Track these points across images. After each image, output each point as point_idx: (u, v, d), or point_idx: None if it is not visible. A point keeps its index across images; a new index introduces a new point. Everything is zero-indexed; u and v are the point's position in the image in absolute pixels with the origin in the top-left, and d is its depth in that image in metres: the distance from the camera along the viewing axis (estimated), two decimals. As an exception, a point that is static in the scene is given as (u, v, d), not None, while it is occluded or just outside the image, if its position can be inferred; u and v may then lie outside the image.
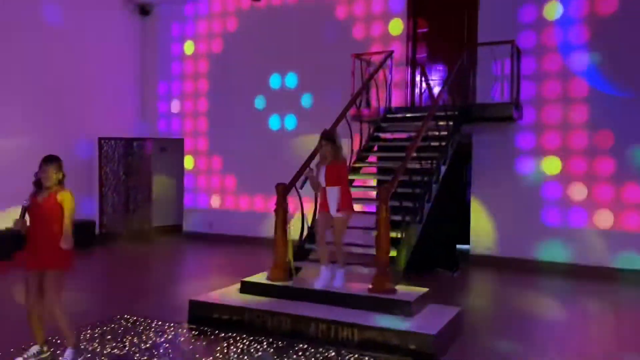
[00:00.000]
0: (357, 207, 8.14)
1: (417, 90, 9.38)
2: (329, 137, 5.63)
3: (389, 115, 8.47)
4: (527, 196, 8.53)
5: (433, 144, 6.92)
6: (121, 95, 11.30)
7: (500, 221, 8.75)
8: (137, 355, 4.57)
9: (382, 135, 8.21)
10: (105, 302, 6.27)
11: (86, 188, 10.41)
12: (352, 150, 7.49)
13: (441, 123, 7.17)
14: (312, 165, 6.00)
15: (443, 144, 7.15)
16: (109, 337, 5.00)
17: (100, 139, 10.62)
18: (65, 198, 4.25)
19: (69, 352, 4.27)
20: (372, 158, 8.06)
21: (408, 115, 8.43)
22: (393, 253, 5.65)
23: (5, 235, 8.10)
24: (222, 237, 10.76)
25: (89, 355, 4.52)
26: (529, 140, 8.56)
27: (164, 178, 11.70)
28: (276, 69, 10.42)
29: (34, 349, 4.34)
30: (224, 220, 10.90)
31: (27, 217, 4.26)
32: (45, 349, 4.38)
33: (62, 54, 9.92)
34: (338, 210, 5.50)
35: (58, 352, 4.45)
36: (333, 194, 5.53)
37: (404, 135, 8.07)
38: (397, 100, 9.11)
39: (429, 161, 6.75)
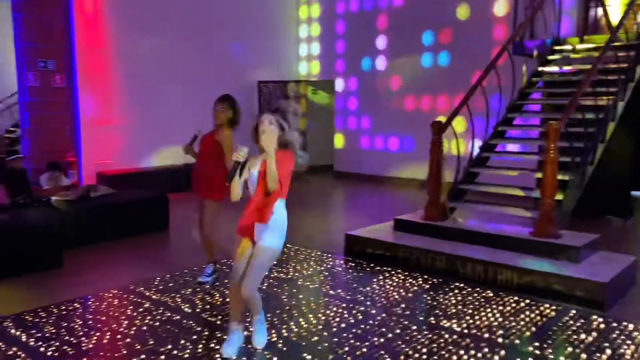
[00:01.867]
0: (515, 147, 7.69)
1: (591, 17, 8.35)
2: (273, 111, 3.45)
3: (556, 47, 7.70)
4: None
5: (610, 77, 6.19)
6: (278, 39, 11.72)
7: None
8: (300, 280, 4.93)
9: (548, 69, 7.52)
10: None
11: (248, 129, 11.14)
12: (513, 87, 7.00)
13: (620, 54, 6.36)
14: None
15: (622, 77, 6.36)
16: (275, 262, 5.43)
17: (259, 82, 11.22)
18: (224, 136, 4.58)
19: (209, 268, 4.82)
20: (536, 95, 7.46)
21: (579, 46, 7.58)
22: (559, 196, 5.28)
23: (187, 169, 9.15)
24: (370, 177, 10.94)
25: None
26: None
27: (316, 118, 12.06)
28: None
29: (209, 268, 4.91)
30: (373, 161, 11.04)
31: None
32: (218, 266, 4.95)
33: (226, 2, 10.50)
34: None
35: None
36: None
37: (573, 69, 7.31)
38: (566, 30, 8.21)
39: (605, 97, 6.07)
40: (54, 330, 3.80)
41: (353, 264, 5.45)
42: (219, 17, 10.42)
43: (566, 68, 7.26)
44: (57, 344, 3.60)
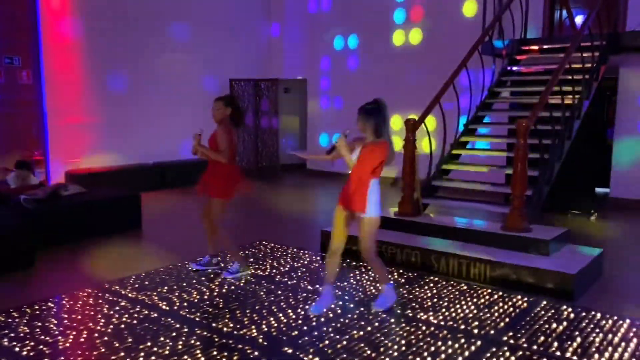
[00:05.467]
0: (485, 144, 7.88)
1: (556, 19, 8.61)
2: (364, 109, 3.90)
3: (523, 47, 7.92)
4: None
5: (576, 77, 6.40)
6: (250, 38, 11.67)
7: (647, 163, 7.98)
8: (278, 276, 4.95)
9: (516, 69, 7.73)
10: (246, 230, 6.76)
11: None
12: (483, 86, 7.17)
13: (585, 54, 6.58)
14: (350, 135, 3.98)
15: (587, 77, 6.58)
16: (252, 259, 5.45)
17: (231, 80, 11.15)
18: (217, 134, 4.71)
19: (235, 266, 4.92)
20: (505, 94, 7.65)
21: (546, 47, 7.82)
22: (528, 192, 5.43)
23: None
24: (343, 175, 10.99)
25: (236, 274, 4.98)
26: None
27: (288, 117, 12.08)
28: None
29: (205, 258, 5.06)
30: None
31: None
32: (214, 260, 5.05)
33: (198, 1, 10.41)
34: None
35: (228, 265, 5.06)
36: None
37: (540, 68, 7.53)
38: (533, 30, 8.44)
39: (571, 96, 6.27)
40: (28, 330, 3.71)
41: (329, 260, 5.49)
42: (190, 13, 10.31)
43: (534, 67, 7.47)
44: (33, 343, 3.52)
